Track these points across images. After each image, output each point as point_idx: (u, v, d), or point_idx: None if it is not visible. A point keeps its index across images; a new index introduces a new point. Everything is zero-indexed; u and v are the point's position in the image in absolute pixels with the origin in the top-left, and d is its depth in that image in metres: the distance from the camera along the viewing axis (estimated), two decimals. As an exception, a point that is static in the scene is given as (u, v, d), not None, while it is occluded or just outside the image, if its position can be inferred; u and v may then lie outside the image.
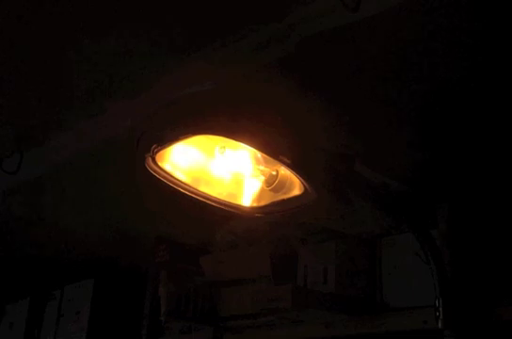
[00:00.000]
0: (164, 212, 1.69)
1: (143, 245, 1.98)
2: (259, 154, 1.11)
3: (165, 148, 1.08)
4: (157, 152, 1.08)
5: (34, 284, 2.45)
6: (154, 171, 1.11)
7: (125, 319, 2.14)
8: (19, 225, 2.02)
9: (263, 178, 1.13)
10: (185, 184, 1.14)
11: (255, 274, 1.65)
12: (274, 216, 1.15)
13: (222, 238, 1.76)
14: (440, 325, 1.16)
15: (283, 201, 1.12)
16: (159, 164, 1.11)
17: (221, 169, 1.15)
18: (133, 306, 2.10)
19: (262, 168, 1.13)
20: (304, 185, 1.08)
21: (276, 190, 1.12)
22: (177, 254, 1.90)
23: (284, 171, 1.11)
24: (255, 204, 1.15)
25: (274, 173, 1.12)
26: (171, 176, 1.13)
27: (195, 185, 1.15)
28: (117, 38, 1.15)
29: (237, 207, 1.15)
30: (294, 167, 1.06)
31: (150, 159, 1.09)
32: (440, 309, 1.16)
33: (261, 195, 1.14)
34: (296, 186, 1.10)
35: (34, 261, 2.29)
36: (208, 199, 1.15)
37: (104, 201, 1.78)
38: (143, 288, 2.06)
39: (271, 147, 1.06)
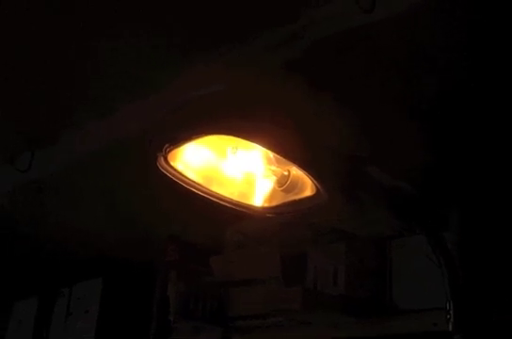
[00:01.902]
0: (174, 211, 1.69)
1: (153, 244, 1.98)
2: (271, 155, 1.11)
3: (177, 147, 1.08)
4: (169, 151, 1.08)
5: (43, 282, 2.46)
6: (166, 171, 1.11)
7: (134, 318, 2.15)
8: (29, 223, 2.03)
9: (274, 178, 1.13)
10: (197, 183, 1.14)
11: (265, 275, 1.65)
12: (285, 216, 1.15)
13: (232, 238, 1.76)
14: (450, 328, 1.16)
15: (295, 201, 1.12)
16: (171, 163, 1.11)
17: (233, 169, 1.15)
18: (142, 305, 2.10)
19: (273, 168, 1.13)
20: (316, 186, 1.07)
21: (287, 191, 1.12)
22: (187, 254, 1.90)
23: (296, 172, 1.11)
24: (266, 205, 1.15)
25: (286, 174, 1.12)
26: (183, 176, 1.13)
27: (207, 185, 1.15)
28: (128, 40, 1.16)
29: (249, 207, 1.15)
30: (306, 167, 1.06)
31: (162, 159, 1.09)
32: (451, 312, 1.15)
33: (272, 195, 1.14)
34: (307, 187, 1.10)
35: (43, 259, 2.30)
36: (220, 199, 1.15)
37: (114, 201, 1.78)
38: (152, 287, 2.06)
39: (283, 147, 1.06)
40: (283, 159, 1.08)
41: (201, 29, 1.13)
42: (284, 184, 1.12)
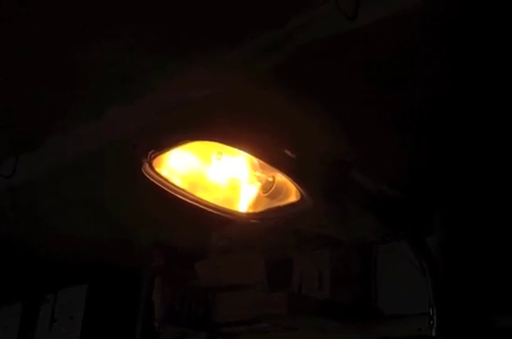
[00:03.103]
0: (159, 217, 1.69)
1: (138, 249, 1.98)
2: (255, 161, 1.11)
3: (162, 153, 1.08)
4: (154, 157, 1.08)
5: (27, 288, 2.44)
6: (151, 177, 1.11)
7: (119, 324, 2.14)
8: (13, 229, 2.01)
9: (259, 184, 1.13)
10: (182, 189, 1.14)
11: (250, 280, 1.65)
12: (270, 222, 1.15)
13: (217, 243, 1.76)
14: (433, 333, 1.16)
15: (279, 207, 1.12)
16: (156, 169, 1.11)
17: (218, 174, 1.15)
18: (127, 311, 2.10)
19: (258, 174, 1.13)
20: (300, 192, 1.08)
21: (272, 197, 1.12)
22: (172, 259, 1.90)
23: (281, 178, 1.11)
24: (251, 210, 1.15)
25: (270, 180, 1.12)
26: (168, 182, 1.13)
27: (191, 191, 1.15)
28: (118, 43, 1.16)
29: (233, 213, 1.15)
30: (290, 173, 1.07)
31: (146, 164, 1.09)
32: (434, 317, 1.16)
33: (257, 201, 1.14)
34: (292, 193, 1.10)
35: (28, 264, 2.28)
36: (204, 204, 1.15)
37: (99, 206, 1.78)
38: (137, 293, 2.05)
39: (268, 153, 1.06)
40: (268, 165, 1.08)
41: (190, 34, 1.13)
42: (269, 190, 1.12)
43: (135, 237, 1.93)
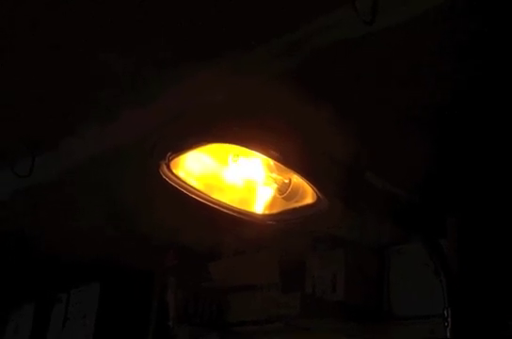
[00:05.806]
0: (174, 217, 1.70)
1: (151, 249, 1.99)
2: (272, 162, 1.12)
3: (179, 155, 1.09)
4: (172, 159, 1.09)
5: (40, 288, 2.46)
6: (168, 178, 1.12)
7: (132, 324, 2.15)
8: (27, 228, 2.03)
9: (275, 186, 1.14)
10: (198, 190, 1.15)
11: (264, 281, 1.66)
12: (286, 224, 1.16)
13: (231, 244, 1.76)
14: (448, 335, 1.16)
15: (295, 209, 1.13)
16: (173, 171, 1.12)
17: (234, 176, 1.15)
18: (140, 310, 2.11)
19: (274, 176, 1.13)
20: (317, 194, 1.08)
21: (288, 198, 1.13)
22: (185, 260, 1.90)
23: (297, 180, 1.12)
24: (267, 212, 1.16)
25: (286, 181, 1.13)
26: (185, 183, 1.14)
27: (208, 192, 1.16)
28: (129, 48, 1.17)
29: (249, 214, 1.16)
30: (306, 176, 1.07)
31: (164, 166, 1.10)
32: (449, 319, 1.16)
33: (273, 203, 1.15)
34: (308, 195, 1.11)
35: (41, 264, 2.30)
36: (220, 206, 1.16)
37: (112, 206, 1.79)
38: (150, 293, 2.06)
39: (284, 156, 1.07)
40: (284, 167, 1.09)
41: (203, 38, 1.14)
42: (285, 191, 1.12)
43: (148, 237, 1.94)
